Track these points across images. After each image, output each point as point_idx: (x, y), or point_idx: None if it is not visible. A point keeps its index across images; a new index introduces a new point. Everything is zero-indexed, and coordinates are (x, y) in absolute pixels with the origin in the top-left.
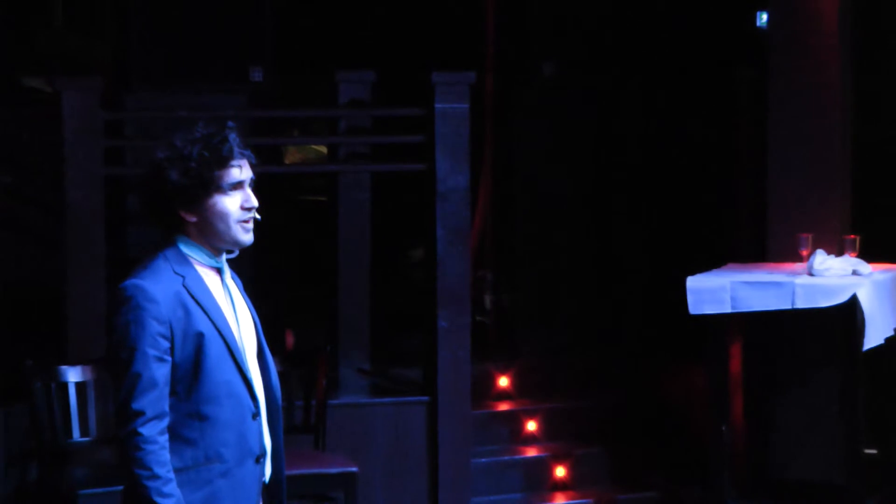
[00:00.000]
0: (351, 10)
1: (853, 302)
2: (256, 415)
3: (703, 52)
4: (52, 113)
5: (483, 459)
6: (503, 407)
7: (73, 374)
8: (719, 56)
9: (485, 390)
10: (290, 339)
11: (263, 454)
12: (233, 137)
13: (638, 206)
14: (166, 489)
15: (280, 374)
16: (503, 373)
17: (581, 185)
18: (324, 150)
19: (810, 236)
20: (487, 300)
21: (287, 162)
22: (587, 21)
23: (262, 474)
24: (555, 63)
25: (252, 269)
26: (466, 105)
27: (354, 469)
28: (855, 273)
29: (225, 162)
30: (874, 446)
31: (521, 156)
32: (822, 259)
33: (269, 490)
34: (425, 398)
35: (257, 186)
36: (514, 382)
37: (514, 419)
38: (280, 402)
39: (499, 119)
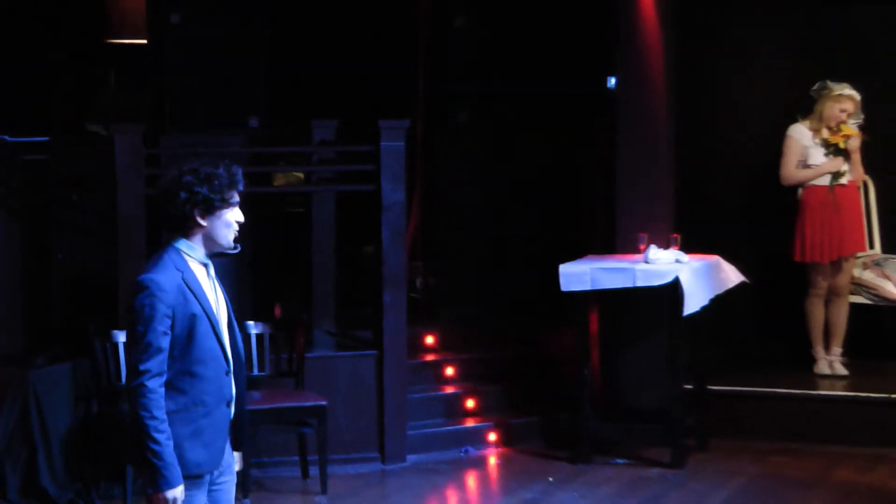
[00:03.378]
0: (321, 77)
1: (676, 282)
2: (229, 372)
3: (573, 104)
4: (107, 149)
5: (416, 395)
6: (430, 358)
7: (122, 336)
8: (585, 107)
9: (417, 346)
10: (277, 311)
11: (232, 400)
12: (238, 169)
13: (527, 213)
14: (161, 427)
15: (270, 336)
16: (430, 333)
17: (487, 198)
18: (301, 175)
19: (646, 235)
20: (419, 282)
21: (275, 184)
22: (490, 83)
23: (231, 414)
24: (468, 112)
25: (251, 262)
26: (403, 143)
27: (324, 403)
28: (677, 261)
29: (236, 185)
30: (691, 383)
31: (443, 178)
32: (654, 252)
33: (235, 425)
34: (374, 352)
35: (255, 202)
36: (437, 340)
37: (438, 366)
38: (244, 361)
39: (427, 152)
